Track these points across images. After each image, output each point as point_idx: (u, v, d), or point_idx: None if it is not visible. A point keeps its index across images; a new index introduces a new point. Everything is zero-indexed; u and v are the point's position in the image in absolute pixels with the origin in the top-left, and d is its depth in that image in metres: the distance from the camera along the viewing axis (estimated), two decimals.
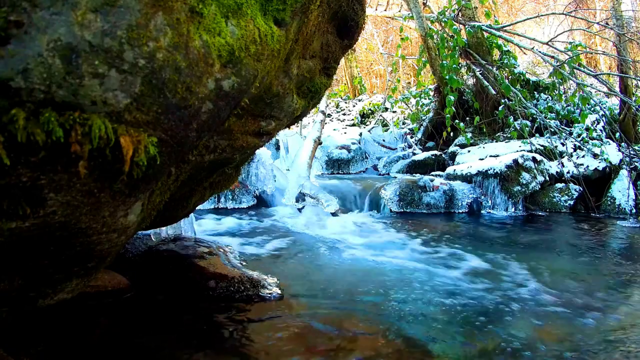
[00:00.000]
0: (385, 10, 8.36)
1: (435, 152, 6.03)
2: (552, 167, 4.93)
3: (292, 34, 1.15)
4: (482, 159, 5.03)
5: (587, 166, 4.98)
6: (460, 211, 4.41)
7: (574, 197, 4.66)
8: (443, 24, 6.11)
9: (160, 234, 2.39)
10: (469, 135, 5.97)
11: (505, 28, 6.30)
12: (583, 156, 5.18)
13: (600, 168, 4.94)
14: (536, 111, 5.37)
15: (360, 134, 7.26)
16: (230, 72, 0.90)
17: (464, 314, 1.86)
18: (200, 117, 0.89)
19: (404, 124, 7.81)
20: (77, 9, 0.68)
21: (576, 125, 5.50)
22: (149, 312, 1.77)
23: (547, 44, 5.80)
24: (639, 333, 1.75)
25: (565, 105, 5.81)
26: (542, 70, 8.28)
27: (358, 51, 12.42)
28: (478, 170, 4.58)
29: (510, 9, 12.46)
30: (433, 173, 5.31)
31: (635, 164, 5.02)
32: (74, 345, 1.46)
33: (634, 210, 4.49)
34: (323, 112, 5.63)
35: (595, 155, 5.11)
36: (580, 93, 5.35)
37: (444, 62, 5.75)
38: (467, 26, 6.08)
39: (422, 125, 6.94)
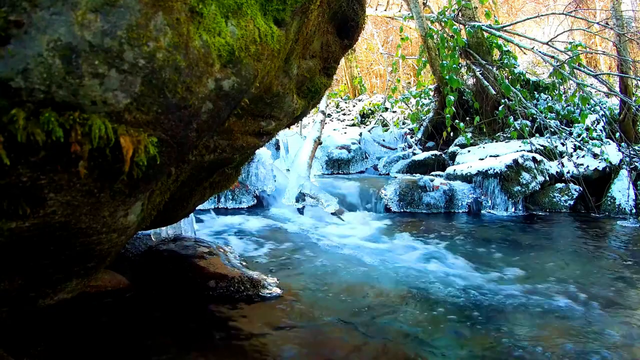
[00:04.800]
0: (385, 10, 8.36)
1: (435, 152, 6.03)
2: (552, 167, 4.93)
3: (292, 34, 1.15)
4: (482, 159, 5.03)
5: (587, 166, 4.98)
6: (460, 211, 4.41)
7: (574, 197, 4.65)
8: (443, 24, 6.11)
9: (160, 234, 2.39)
10: (469, 135, 5.97)
11: (505, 28, 6.30)
12: (583, 156, 5.18)
13: (600, 168, 4.94)
14: (536, 111, 5.37)
15: (360, 134, 7.25)
16: (230, 72, 0.90)
17: (464, 314, 1.86)
18: (200, 117, 0.89)
19: (404, 124, 7.81)
20: (77, 9, 0.68)
21: (576, 125, 5.50)
22: (149, 312, 1.77)
23: (547, 44, 5.79)
24: (638, 333, 1.75)
25: (565, 105, 5.81)
26: (542, 70, 8.28)
27: (358, 51, 12.41)
28: (478, 170, 4.58)
29: (510, 9, 12.46)
30: (433, 173, 5.31)
31: (635, 164, 5.02)
32: (74, 345, 1.46)
33: (634, 210, 4.49)
34: (323, 112, 5.62)
35: (595, 155, 5.10)
36: (580, 93, 5.35)
37: (444, 62, 5.74)
38: (467, 26, 6.08)
39: (422, 125, 6.94)
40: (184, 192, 1.51)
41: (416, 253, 2.84)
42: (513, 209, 4.49)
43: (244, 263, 2.34)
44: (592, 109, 5.78)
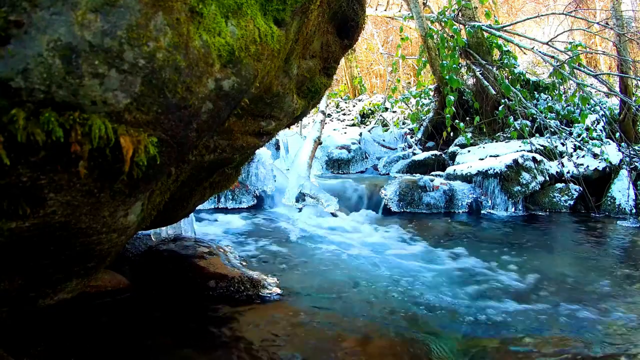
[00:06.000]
0: (385, 10, 8.36)
1: (435, 152, 6.03)
2: (552, 167, 4.93)
3: (292, 34, 1.15)
4: (482, 159, 5.03)
5: (587, 166, 4.98)
6: (460, 211, 4.41)
7: (574, 197, 4.65)
8: (443, 24, 6.11)
9: (160, 234, 2.39)
10: (469, 135, 5.97)
11: (505, 28, 6.30)
12: (583, 156, 5.18)
13: (600, 168, 4.94)
14: (536, 111, 5.37)
15: (360, 134, 7.25)
16: (230, 72, 0.90)
17: (464, 314, 1.86)
18: (200, 117, 0.89)
19: (404, 124, 7.81)
20: (77, 9, 0.68)
21: (576, 125, 5.50)
22: (149, 312, 1.77)
23: (547, 44, 5.80)
24: (639, 333, 1.75)
25: (565, 105, 5.81)
26: (542, 70, 8.28)
27: (358, 51, 12.41)
28: (478, 170, 4.58)
29: (510, 9, 12.46)
30: (433, 173, 5.31)
31: (635, 164, 5.02)
32: (74, 345, 1.46)
33: (634, 210, 4.49)
34: (323, 112, 5.62)
35: (595, 155, 5.10)
36: (580, 93, 5.35)
37: (444, 62, 5.74)
38: (467, 26, 6.08)
39: (422, 125, 6.94)
40: (184, 192, 1.51)
41: (416, 253, 2.84)
42: (513, 209, 4.49)
43: (244, 263, 2.34)
44: (592, 109, 5.78)
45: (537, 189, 4.63)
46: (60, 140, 0.70)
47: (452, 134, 6.22)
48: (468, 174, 4.63)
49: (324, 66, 1.59)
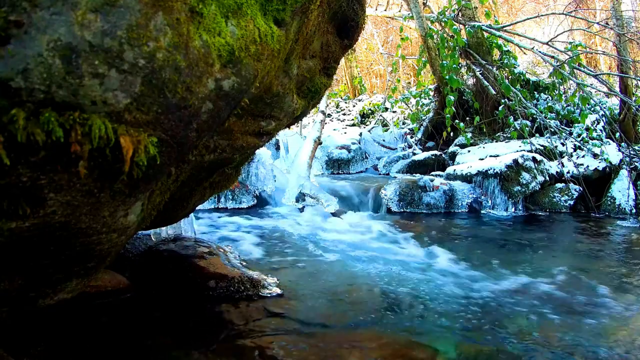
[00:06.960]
0: (385, 10, 8.36)
1: (435, 152, 6.03)
2: (552, 167, 4.93)
3: (292, 34, 1.15)
4: (482, 159, 5.03)
5: (587, 166, 4.98)
6: (460, 211, 4.41)
7: (574, 197, 4.65)
8: (443, 24, 6.11)
9: (160, 234, 2.39)
10: (469, 135, 5.96)
11: (505, 28, 6.30)
12: (583, 156, 5.18)
13: (600, 168, 4.94)
14: (536, 111, 5.37)
15: (360, 134, 7.25)
16: (230, 72, 0.90)
17: (464, 314, 1.86)
18: (200, 117, 0.89)
19: (404, 124, 7.81)
20: (77, 9, 0.68)
21: (576, 125, 5.50)
22: (149, 312, 1.77)
23: (547, 44, 5.80)
24: (639, 333, 1.75)
25: (565, 105, 5.81)
26: (542, 70, 8.28)
27: (358, 51, 12.41)
28: (478, 170, 4.58)
29: (510, 9, 12.47)
30: (433, 173, 5.31)
31: (635, 164, 5.02)
32: (74, 345, 1.46)
33: (634, 210, 4.49)
34: (323, 112, 5.62)
35: (595, 155, 5.10)
36: (580, 93, 5.35)
37: (444, 62, 5.75)
38: (467, 26, 6.08)
39: (422, 125, 6.94)
40: (184, 192, 1.51)
41: (416, 253, 2.84)
42: (513, 209, 4.49)
43: (244, 263, 2.34)
44: (592, 109, 5.78)
45: (537, 189, 4.63)
46: (60, 140, 0.70)
47: (452, 134, 6.22)
48: (468, 174, 4.63)
49: (324, 66, 1.59)
